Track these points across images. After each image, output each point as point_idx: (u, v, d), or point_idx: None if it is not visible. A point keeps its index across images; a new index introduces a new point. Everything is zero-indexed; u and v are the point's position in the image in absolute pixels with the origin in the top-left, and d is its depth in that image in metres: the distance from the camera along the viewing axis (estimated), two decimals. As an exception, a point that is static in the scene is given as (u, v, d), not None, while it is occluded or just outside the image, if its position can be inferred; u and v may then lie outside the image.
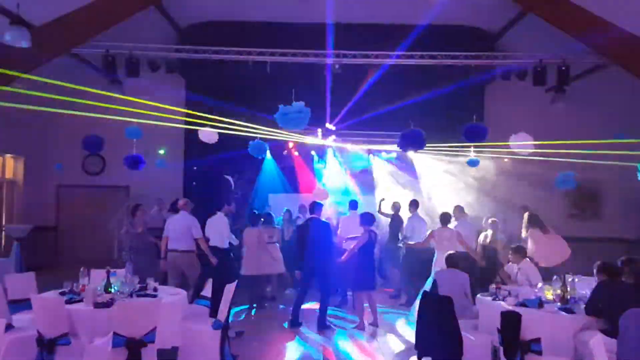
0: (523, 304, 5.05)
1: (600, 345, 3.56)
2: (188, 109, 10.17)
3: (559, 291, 5.21)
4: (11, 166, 11.34)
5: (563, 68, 10.09)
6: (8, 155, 11.13)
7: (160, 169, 10.80)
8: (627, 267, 5.07)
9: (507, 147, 8.27)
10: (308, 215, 7.94)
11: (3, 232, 10.87)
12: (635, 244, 10.61)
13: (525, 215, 7.44)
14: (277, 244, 8.96)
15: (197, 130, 9.04)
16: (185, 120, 10.13)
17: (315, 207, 7.64)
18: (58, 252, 11.90)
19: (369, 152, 11.29)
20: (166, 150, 11.64)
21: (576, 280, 5.36)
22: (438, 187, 10.90)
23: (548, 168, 9.40)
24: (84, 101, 8.12)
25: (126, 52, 9.93)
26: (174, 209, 8.15)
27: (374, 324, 7.43)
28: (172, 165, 11.34)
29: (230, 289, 5.67)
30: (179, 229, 7.52)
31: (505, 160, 10.65)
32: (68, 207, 12.10)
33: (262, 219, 8.75)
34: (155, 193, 10.51)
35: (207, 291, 6.16)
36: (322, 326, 7.30)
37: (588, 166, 8.80)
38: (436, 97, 10.23)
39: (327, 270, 7.48)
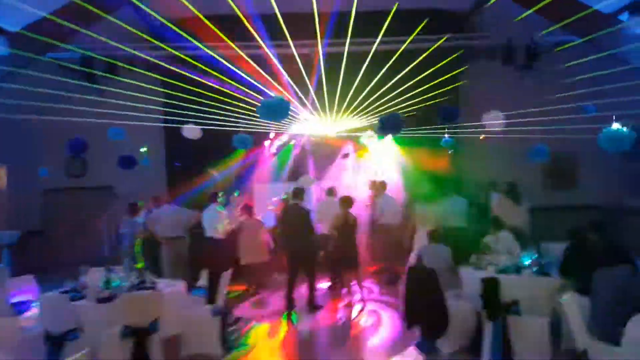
0: (502, 271, 5.41)
1: (571, 303, 3.91)
2: (166, 107, 10.30)
3: (535, 257, 5.58)
4: (-6, 175, 11.35)
5: (531, 46, 10.45)
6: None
7: (143, 167, 10.87)
8: (595, 231, 5.45)
9: (482, 126, 8.59)
10: (292, 202, 8.23)
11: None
12: (610, 211, 11.09)
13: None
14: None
15: (178, 127, 9.18)
16: (165, 119, 10.27)
17: (298, 193, 7.91)
18: (46, 255, 11.92)
19: (350, 139, 11.51)
20: (148, 149, 11.71)
21: (549, 246, 5.73)
22: (416, 169, 11.16)
23: (522, 142, 9.75)
24: (63, 105, 8.24)
25: (103, 53, 9.98)
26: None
27: (362, 300, 7.77)
28: (155, 164, 11.44)
29: (226, 276, 5.94)
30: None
31: (481, 138, 10.97)
32: (53, 210, 12.14)
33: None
34: (139, 191, 10.62)
35: (203, 281, 6.43)
36: (313, 307, 7.62)
37: (561, 138, 9.17)
38: (410, 81, 10.53)
39: (311, 254, 7.79)
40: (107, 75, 10.18)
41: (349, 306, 7.72)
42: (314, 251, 7.94)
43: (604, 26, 9.15)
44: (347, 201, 7.82)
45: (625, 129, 5.14)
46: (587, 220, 5.74)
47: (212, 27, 7.77)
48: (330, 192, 9.54)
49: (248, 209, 8.96)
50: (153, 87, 10.34)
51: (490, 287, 4.76)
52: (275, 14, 9.66)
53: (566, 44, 10.56)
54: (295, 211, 7.84)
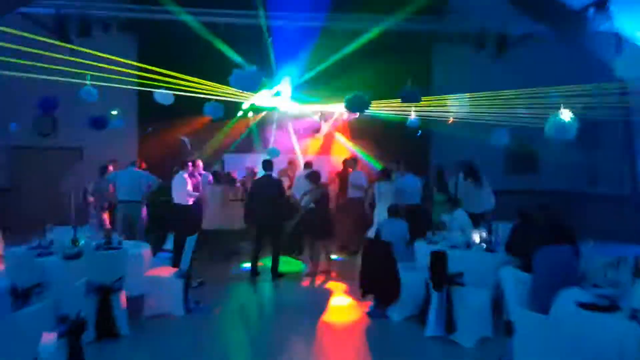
0: (453, 246, 5.75)
1: (507, 275, 4.25)
2: (141, 70, 10.27)
3: (484, 234, 5.94)
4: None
5: (502, 34, 10.75)
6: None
7: (113, 130, 10.84)
8: (542, 212, 5.81)
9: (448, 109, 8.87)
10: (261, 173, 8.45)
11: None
12: (568, 195, 11.61)
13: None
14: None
15: (151, 91, 9.20)
16: (139, 82, 10.24)
17: (267, 164, 8.13)
18: (13, 212, 11.90)
19: (321, 115, 11.68)
20: (119, 112, 11.66)
21: (499, 225, 6.09)
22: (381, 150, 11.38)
23: (488, 127, 10.07)
24: (35, 63, 8.16)
25: (77, 11, 9.85)
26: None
27: (327, 271, 8.09)
28: (126, 126, 11.42)
29: (191, 241, 6.14)
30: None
31: (449, 120, 11.26)
32: (22, 168, 12.07)
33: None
34: (109, 155, 10.64)
35: (169, 244, 6.63)
36: (276, 275, 7.91)
37: (524, 124, 9.53)
38: (385, 60, 10.73)
39: (279, 224, 8.05)
40: (81, 35, 10.06)
41: (312, 275, 8.03)
42: (281, 221, 8.20)
43: (572, 20, 9.48)
44: (315, 175, 8.11)
45: (570, 117, 5.44)
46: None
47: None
48: (308, 165, 9.73)
49: (218, 177, 9.18)
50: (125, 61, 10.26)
51: (438, 260, 5.09)
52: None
53: (536, 35, 10.90)
54: (266, 182, 8.07)
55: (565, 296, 3.92)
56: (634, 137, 10.48)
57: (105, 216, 8.87)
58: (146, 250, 6.13)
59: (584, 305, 3.57)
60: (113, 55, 9.69)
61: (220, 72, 7.59)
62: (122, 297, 5.38)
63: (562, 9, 9.27)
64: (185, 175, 8.70)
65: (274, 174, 8.58)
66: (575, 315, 3.55)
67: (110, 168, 9.23)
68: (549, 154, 12.03)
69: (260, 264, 8.15)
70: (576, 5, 8.63)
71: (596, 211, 10.93)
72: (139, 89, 10.18)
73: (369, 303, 6.20)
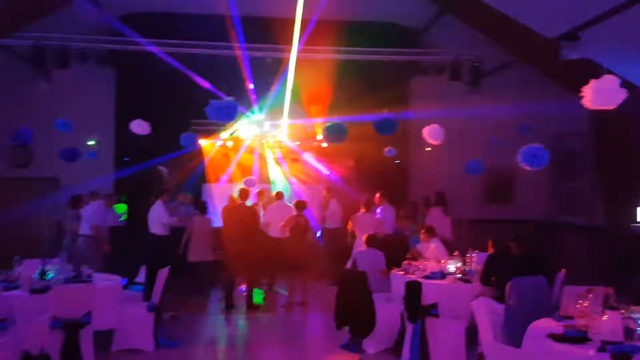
0: (429, 277, 5.73)
1: (480, 307, 4.23)
2: (118, 102, 10.23)
3: (459, 265, 5.94)
4: None
5: (477, 64, 10.98)
6: None
7: (90, 160, 10.74)
8: (516, 243, 5.85)
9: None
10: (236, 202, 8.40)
11: None
12: (542, 225, 11.72)
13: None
14: None
15: (128, 122, 9.16)
16: (116, 113, 10.20)
17: (243, 193, 8.11)
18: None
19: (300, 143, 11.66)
20: (97, 142, 11.57)
21: (474, 255, 6.10)
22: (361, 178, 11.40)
23: (464, 156, 10.19)
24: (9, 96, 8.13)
25: (56, 43, 9.84)
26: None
27: (303, 302, 7.99)
28: (103, 156, 11.32)
29: (163, 273, 6.03)
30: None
31: (427, 149, 11.35)
32: (-7, 199, 11.81)
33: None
34: (86, 185, 10.50)
35: (141, 277, 6.50)
36: (251, 306, 7.80)
37: (499, 154, 9.66)
38: (363, 90, 10.86)
39: (252, 254, 7.95)
40: (59, 67, 10.03)
41: (288, 306, 7.91)
42: (256, 251, 8.09)
43: (545, 50, 9.71)
44: (301, 204, 8.10)
45: (541, 148, 5.56)
46: (524, 235, 6.17)
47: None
48: (279, 195, 9.68)
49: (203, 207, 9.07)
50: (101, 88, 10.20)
51: (412, 290, 5.06)
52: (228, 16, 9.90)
53: (510, 65, 11.15)
54: (241, 211, 8.01)
55: (536, 328, 3.91)
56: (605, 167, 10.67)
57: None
58: (116, 283, 5.99)
59: (555, 337, 3.56)
60: (90, 86, 9.70)
61: (197, 102, 7.62)
62: (89, 331, 5.23)
63: (534, 37, 9.48)
64: (162, 205, 8.47)
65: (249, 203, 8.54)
66: (547, 347, 3.53)
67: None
68: (523, 183, 12.20)
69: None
70: (550, 34, 8.83)
71: (570, 241, 11.04)
72: (117, 120, 10.17)
73: (345, 335, 6.11)
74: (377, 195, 9.06)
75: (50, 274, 5.54)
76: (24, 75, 9.85)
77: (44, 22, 9.58)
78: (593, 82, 4.28)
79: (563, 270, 6.00)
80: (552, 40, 8.50)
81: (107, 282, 5.83)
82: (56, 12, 9.60)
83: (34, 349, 4.18)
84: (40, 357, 4.28)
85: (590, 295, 4.02)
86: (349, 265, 7.35)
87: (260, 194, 9.84)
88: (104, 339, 5.60)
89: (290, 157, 11.50)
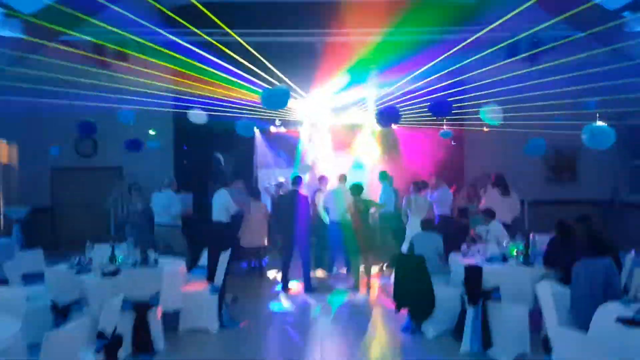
0: (489, 260, 5.63)
1: (545, 291, 4.12)
2: (175, 93, 10.47)
3: (521, 247, 5.79)
4: (5, 152, 11.68)
5: (535, 40, 10.55)
6: (2, 142, 11.46)
7: (151, 150, 11.12)
8: (580, 224, 5.64)
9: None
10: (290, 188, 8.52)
11: (2, 215, 11.28)
12: (607, 205, 11.25)
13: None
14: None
15: (186, 112, 9.39)
16: (174, 104, 10.47)
17: (297, 180, 8.23)
18: (54, 231, 12.31)
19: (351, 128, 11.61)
20: (156, 131, 11.97)
21: (537, 237, 5.93)
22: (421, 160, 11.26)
23: (525, 135, 9.85)
24: (75, 90, 8.50)
25: (114, 36, 10.16)
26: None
27: (365, 283, 8.04)
28: (162, 146, 11.70)
29: (225, 257, 6.22)
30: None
31: (485, 129, 11.07)
32: (62, 188, 12.47)
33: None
34: (147, 172, 10.92)
35: (204, 261, 6.73)
36: (308, 289, 7.96)
37: (563, 133, 9.29)
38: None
39: (306, 239, 8.15)
40: (117, 61, 10.38)
41: (350, 289, 8.00)
42: (308, 236, 8.22)
43: (607, 22, 9.22)
44: (357, 188, 8.13)
45: (606, 125, 5.30)
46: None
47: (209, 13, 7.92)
48: (341, 178, 9.67)
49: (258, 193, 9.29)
50: (162, 75, 10.53)
51: (472, 275, 4.99)
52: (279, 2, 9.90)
53: (570, 40, 10.64)
54: (292, 197, 8.12)
55: (605, 311, 3.78)
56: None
57: None
58: (181, 266, 6.23)
59: (624, 321, 3.44)
60: (148, 77, 9.98)
61: (252, 89, 7.71)
62: (158, 312, 5.48)
63: (596, 10, 9.02)
64: (227, 193, 8.69)
65: (305, 190, 8.61)
66: (615, 331, 3.42)
67: None
68: (588, 163, 11.73)
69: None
70: (612, 5, 8.38)
71: (638, 220, 10.54)
72: (175, 110, 10.45)
73: (405, 318, 6.11)
74: (433, 177, 8.91)
75: (120, 257, 5.84)
76: (87, 68, 10.27)
77: (103, 14, 9.89)
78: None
79: (633, 252, 5.75)
80: (615, 12, 8.08)
81: (172, 265, 6.08)
82: (116, 3, 9.89)
83: (108, 329, 4.43)
84: (113, 336, 4.53)
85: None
86: (404, 247, 7.32)
87: (321, 179, 9.81)
88: (172, 319, 5.86)
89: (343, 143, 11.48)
